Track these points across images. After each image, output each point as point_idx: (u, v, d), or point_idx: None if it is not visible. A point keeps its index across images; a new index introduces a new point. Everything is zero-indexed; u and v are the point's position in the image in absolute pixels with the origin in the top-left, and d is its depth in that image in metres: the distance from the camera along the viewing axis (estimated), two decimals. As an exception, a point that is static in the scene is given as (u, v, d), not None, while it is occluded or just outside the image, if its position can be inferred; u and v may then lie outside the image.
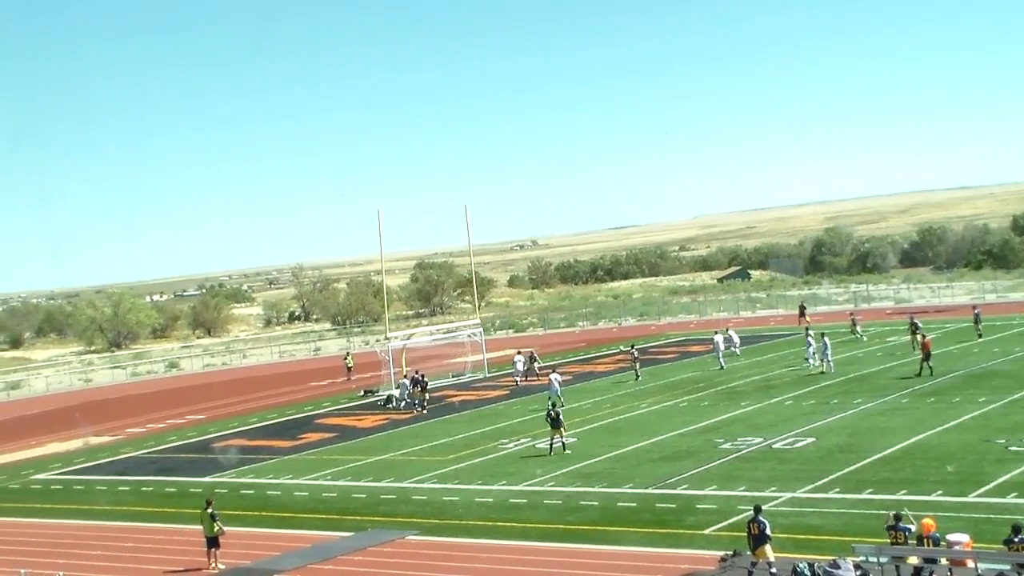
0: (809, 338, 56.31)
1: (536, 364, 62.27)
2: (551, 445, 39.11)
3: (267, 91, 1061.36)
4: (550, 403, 41.51)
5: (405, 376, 58.19)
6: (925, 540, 20.87)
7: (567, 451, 38.65)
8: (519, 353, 62.87)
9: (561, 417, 39.59)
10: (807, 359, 54.91)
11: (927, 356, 49.12)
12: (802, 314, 78.41)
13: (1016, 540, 19.85)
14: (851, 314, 74.84)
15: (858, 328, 67.44)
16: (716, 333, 62.36)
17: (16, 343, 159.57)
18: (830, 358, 52.72)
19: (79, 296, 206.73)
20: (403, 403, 54.23)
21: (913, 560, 20.79)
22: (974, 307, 68.10)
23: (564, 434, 39.33)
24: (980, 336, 60.77)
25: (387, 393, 57.71)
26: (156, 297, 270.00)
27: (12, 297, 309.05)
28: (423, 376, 54.97)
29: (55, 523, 36.37)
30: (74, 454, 51.80)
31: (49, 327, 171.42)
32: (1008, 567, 19.80)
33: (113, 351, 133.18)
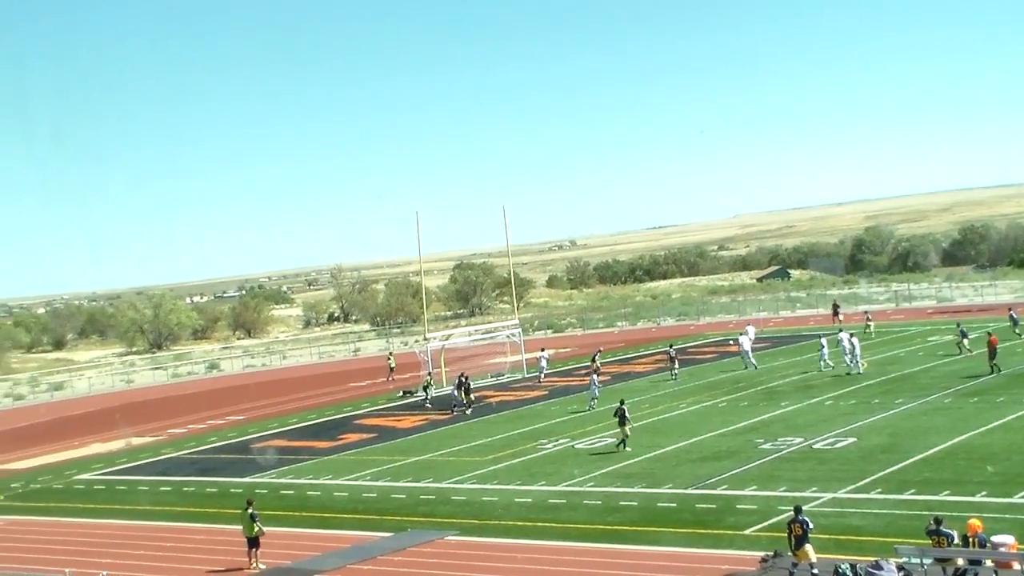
0: (823, 340, 56.36)
1: (597, 363, 59.73)
2: (622, 441, 39.19)
3: (306, 93, 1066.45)
4: (620, 400, 41.33)
5: (429, 375, 58.62)
6: (971, 541, 20.65)
7: (627, 448, 38.68)
8: (543, 350, 62.70)
9: (628, 414, 39.62)
10: (822, 362, 54.88)
11: (993, 354, 48.40)
12: (835, 313, 78.04)
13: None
14: (866, 312, 75.26)
15: (871, 326, 68.78)
16: (741, 335, 62.20)
17: (59, 345, 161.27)
18: (859, 358, 52.39)
19: (120, 298, 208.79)
20: (454, 405, 53.75)
21: (958, 561, 20.58)
22: (1009, 308, 67.13)
23: (627, 432, 39.32)
24: (1020, 336, 60.02)
25: (422, 392, 58.01)
26: (196, 298, 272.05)
27: (55, 299, 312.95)
28: (466, 378, 54.99)
29: (98, 523, 36.67)
30: (116, 454, 52.21)
31: (91, 329, 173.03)
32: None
33: (154, 352, 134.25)
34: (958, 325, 58.92)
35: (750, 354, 58.41)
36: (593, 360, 59.56)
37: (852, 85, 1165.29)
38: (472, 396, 54.13)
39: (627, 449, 38.58)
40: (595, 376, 52.01)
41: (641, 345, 79.53)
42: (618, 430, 39.56)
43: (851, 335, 54.79)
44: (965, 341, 55.87)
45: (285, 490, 38.75)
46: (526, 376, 64.40)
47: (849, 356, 52.70)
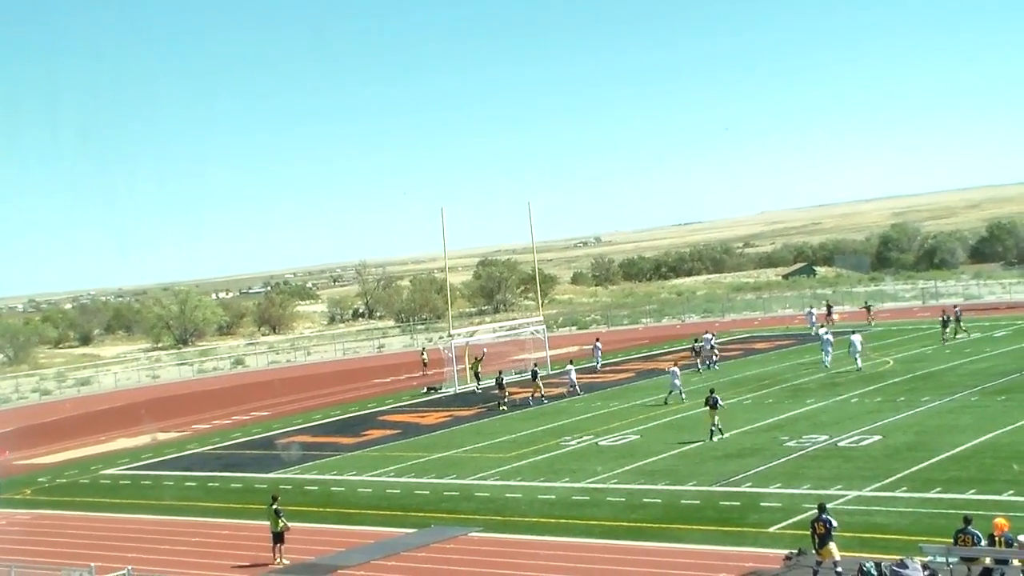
0: (828, 336, 56.73)
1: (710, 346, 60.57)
2: (711, 429, 39.28)
3: (332, 89, 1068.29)
4: (710, 390, 41.31)
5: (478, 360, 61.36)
6: (997, 540, 20.50)
7: (724, 435, 38.98)
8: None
9: (720, 402, 39.93)
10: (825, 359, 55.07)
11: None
12: (829, 313, 76.21)
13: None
14: (866, 304, 75.55)
15: (871, 320, 70.43)
16: (706, 335, 62.57)
17: (86, 340, 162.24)
18: (858, 357, 52.36)
19: (147, 294, 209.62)
20: (499, 403, 53.51)
21: (985, 561, 20.44)
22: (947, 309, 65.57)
23: (717, 420, 39.48)
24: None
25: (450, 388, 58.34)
26: (222, 295, 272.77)
27: (82, 295, 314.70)
28: (501, 375, 55.00)
29: (123, 518, 36.90)
30: (142, 450, 52.49)
31: (118, 324, 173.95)
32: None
33: (180, 348, 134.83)
34: (952, 309, 63.09)
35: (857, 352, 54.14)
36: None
37: (880, 81, 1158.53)
38: (507, 393, 53.89)
39: (724, 436, 38.90)
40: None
41: (666, 342, 79.32)
42: (711, 414, 39.72)
43: (852, 332, 55.12)
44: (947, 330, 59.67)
45: (309, 486, 38.89)
46: (549, 372, 64.30)
47: (854, 356, 52.80)
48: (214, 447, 50.92)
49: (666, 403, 48.42)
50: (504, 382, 54.18)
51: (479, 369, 61.73)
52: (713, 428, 39.29)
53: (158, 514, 36.74)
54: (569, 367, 57.22)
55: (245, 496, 37.87)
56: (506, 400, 53.08)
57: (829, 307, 78.30)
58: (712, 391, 40.52)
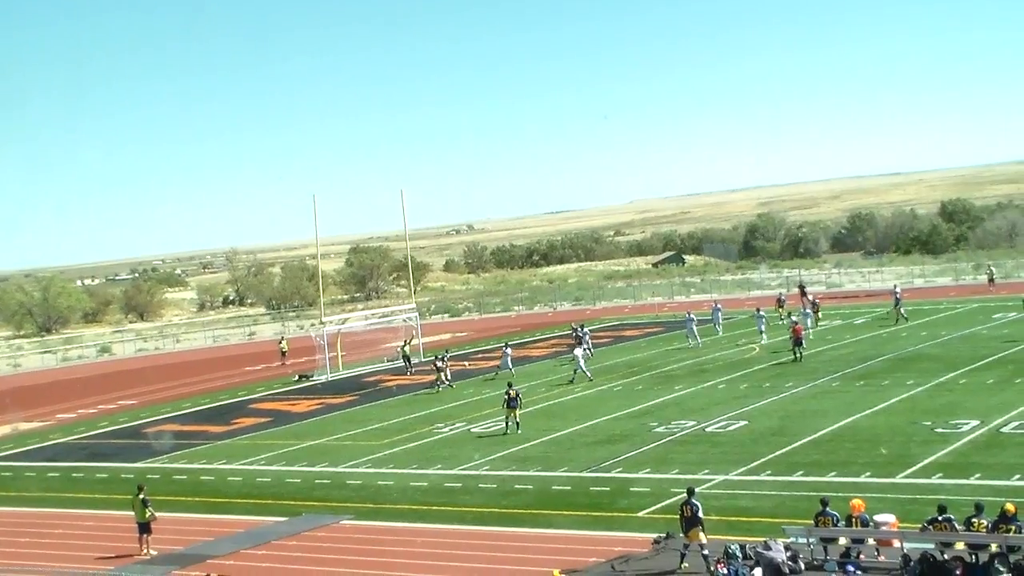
0: (761, 315, 59.70)
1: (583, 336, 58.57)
2: (507, 424, 39.42)
3: (203, 74, 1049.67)
4: (508, 384, 41.36)
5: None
6: (854, 520, 21.23)
7: (519, 431, 38.92)
8: (507, 346, 57.64)
9: (519, 399, 39.98)
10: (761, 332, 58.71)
11: (798, 342, 50.59)
12: (803, 294, 76.54)
13: (940, 519, 20.26)
14: (780, 297, 76.64)
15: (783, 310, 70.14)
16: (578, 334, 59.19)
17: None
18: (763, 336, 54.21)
19: (8, 280, 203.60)
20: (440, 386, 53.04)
21: (842, 540, 21.15)
22: (894, 289, 67.97)
23: (518, 415, 39.58)
24: (903, 320, 61.47)
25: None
26: (88, 281, 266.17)
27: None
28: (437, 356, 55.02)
29: (-17, 510, 35.83)
30: (2, 440, 51.03)
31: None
32: (932, 546, 20.18)
33: (43, 336, 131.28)
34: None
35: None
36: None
37: (745, 74, 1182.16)
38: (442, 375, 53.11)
39: (519, 432, 38.84)
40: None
41: (538, 329, 79.93)
42: (507, 412, 39.63)
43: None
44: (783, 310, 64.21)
45: (178, 475, 38.28)
46: (422, 359, 64.27)
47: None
48: (79, 437, 49.75)
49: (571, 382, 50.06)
50: (440, 363, 53.41)
51: (408, 351, 60.51)
52: (511, 423, 39.42)
53: (20, 506, 35.76)
54: (507, 350, 56.15)
55: (111, 486, 37.08)
56: (443, 382, 52.58)
57: (802, 287, 79.26)
58: (510, 385, 40.70)
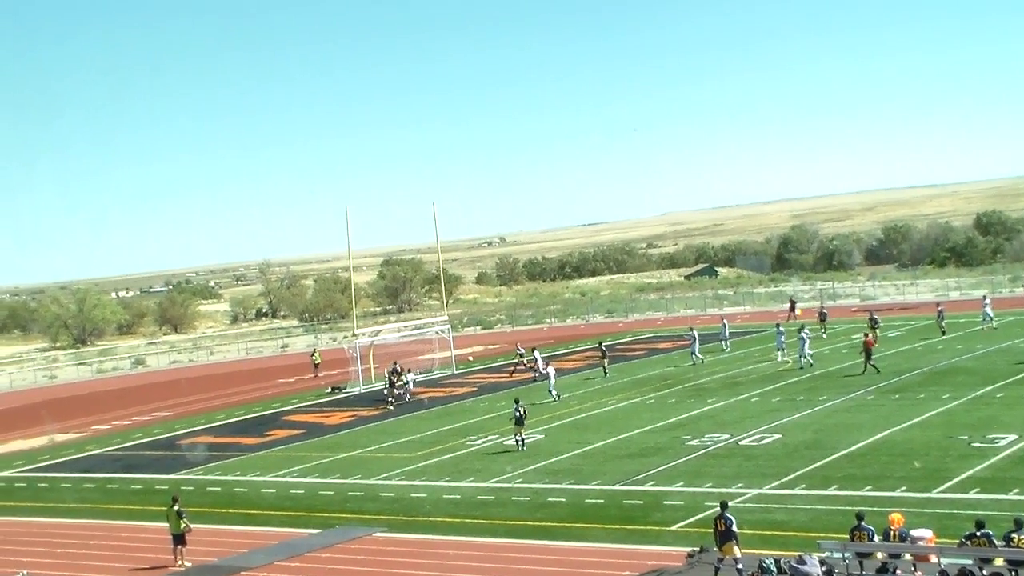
0: (781, 330, 58.31)
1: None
2: (518, 441, 39.31)
3: (235, 87, 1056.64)
4: (515, 401, 41.30)
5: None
6: (891, 535, 21.05)
7: (523, 448, 38.79)
8: (530, 350, 59.52)
9: (526, 416, 39.82)
10: (780, 350, 57.41)
11: (868, 355, 49.58)
12: (792, 309, 78.14)
13: (978, 535, 20.06)
14: (791, 302, 77.67)
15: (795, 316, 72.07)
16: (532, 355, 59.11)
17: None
18: (807, 353, 53.34)
19: (44, 292, 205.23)
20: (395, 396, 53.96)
21: (878, 556, 20.97)
22: (938, 304, 68.49)
23: (523, 433, 39.44)
24: (944, 333, 61.12)
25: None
26: (122, 293, 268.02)
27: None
28: (397, 371, 55.29)
29: (19, 521, 36.10)
30: (39, 451, 51.42)
31: (13, 323, 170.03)
32: (970, 562, 19.98)
33: (78, 348, 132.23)
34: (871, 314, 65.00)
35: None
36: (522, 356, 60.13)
37: (780, 85, 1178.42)
38: (397, 391, 54.15)
39: (523, 449, 38.69)
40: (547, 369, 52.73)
41: (570, 342, 79.85)
42: (515, 429, 39.53)
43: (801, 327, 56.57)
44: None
45: (212, 487, 38.45)
46: (455, 372, 64.36)
47: (796, 351, 54.27)
48: (114, 448, 50.06)
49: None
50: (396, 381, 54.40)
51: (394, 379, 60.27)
52: (518, 440, 39.32)
53: (55, 517, 36.00)
54: (535, 354, 56.82)
55: (146, 498, 37.29)
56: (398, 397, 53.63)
57: (792, 303, 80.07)
58: (517, 401, 40.37)
